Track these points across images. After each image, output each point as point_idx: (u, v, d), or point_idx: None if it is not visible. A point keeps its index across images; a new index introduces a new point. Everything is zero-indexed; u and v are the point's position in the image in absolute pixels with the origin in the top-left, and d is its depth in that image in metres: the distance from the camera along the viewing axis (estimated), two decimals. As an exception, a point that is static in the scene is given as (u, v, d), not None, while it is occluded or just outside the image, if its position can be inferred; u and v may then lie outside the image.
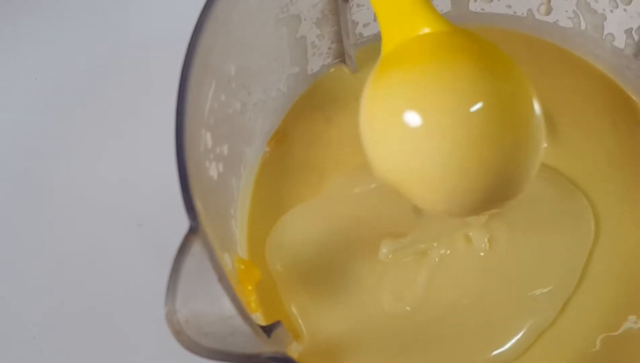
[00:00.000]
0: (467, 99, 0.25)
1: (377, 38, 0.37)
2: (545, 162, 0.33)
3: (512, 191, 0.26)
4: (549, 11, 0.36)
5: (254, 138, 0.34)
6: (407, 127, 0.25)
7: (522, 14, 0.36)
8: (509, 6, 0.36)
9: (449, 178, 0.25)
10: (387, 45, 0.28)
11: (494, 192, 0.26)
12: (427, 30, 0.26)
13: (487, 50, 0.26)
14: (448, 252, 0.33)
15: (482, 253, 0.33)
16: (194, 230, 0.22)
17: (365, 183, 0.34)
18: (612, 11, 0.34)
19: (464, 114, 0.24)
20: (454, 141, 0.24)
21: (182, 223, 0.22)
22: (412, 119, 0.25)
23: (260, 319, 0.31)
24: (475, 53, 0.26)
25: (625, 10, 0.33)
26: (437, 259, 0.32)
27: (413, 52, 0.26)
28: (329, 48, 0.36)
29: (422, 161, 0.25)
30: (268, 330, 0.24)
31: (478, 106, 0.24)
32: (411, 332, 0.32)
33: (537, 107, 0.26)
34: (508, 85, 0.26)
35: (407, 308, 0.32)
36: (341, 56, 0.37)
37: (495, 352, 0.31)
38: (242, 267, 0.30)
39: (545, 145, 0.34)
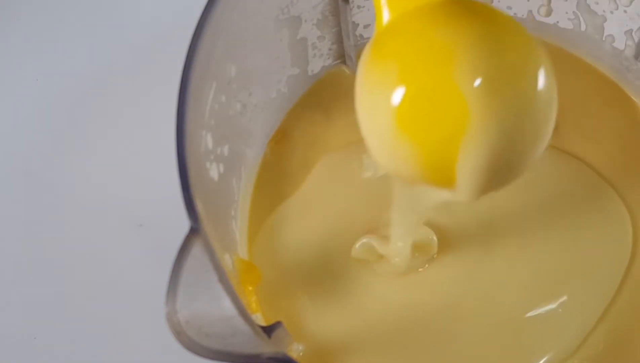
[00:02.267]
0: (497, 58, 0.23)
1: (377, 39, 0.37)
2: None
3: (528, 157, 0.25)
4: (549, 12, 0.36)
5: (254, 139, 0.34)
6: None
7: (522, 15, 0.36)
8: (509, 7, 0.36)
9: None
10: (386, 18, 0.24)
11: (508, 165, 0.24)
12: None
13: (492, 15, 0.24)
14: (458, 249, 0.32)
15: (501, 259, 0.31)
16: (194, 230, 0.22)
17: (348, 168, 0.34)
18: (612, 12, 0.34)
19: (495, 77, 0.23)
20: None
21: (183, 224, 0.22)
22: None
23: (260, 320, 0.31)
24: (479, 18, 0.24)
25: (625, 11, 0.33)
26: (445, 258, 0.32)
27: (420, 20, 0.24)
28: (330, 49, 0.36)
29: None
30: (268, 330, 0.24)
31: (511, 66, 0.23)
32: (416, 336, 0.31)
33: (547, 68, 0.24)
34: (521, 51, 0.24)
35: (412, 311, 0.31)
36: (342, 57, 0.37)
37: None
38: (243, 267, 0.30)
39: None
